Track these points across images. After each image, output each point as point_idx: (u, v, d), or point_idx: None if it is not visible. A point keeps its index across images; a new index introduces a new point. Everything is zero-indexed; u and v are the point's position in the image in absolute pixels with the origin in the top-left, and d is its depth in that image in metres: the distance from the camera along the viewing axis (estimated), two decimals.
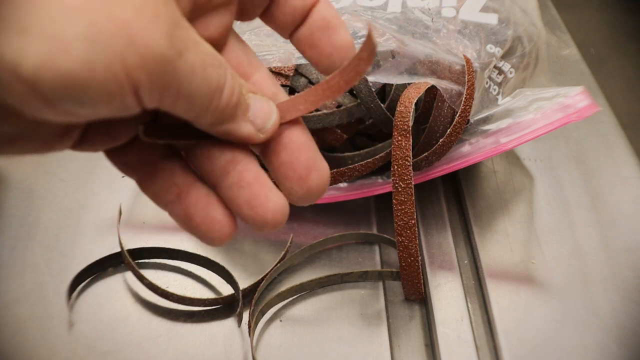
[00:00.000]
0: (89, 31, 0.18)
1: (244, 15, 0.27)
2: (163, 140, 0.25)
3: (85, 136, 0.24)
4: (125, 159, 0.26)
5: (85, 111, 0.20)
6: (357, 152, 0.44)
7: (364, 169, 0.42)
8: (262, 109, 0.25)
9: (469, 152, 0.43)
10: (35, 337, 0.37)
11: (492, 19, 0.44)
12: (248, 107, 0.25)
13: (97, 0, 0.19)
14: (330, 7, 0.27)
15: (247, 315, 0.39)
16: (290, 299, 0.40)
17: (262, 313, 0.39)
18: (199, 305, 0.39)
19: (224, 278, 0.41)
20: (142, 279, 0.39)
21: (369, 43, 0.23)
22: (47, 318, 0.38)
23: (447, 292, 0.40)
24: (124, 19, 0.19)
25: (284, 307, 0.40)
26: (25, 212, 0.46)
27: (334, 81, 0.25)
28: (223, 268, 0.41)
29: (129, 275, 0.41)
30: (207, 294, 0.41)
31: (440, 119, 0.41)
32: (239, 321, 0.39)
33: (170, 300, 0.39)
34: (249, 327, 0.38)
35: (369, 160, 0.41)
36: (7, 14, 0.18)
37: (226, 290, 0.41)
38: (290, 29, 0.27)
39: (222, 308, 0.40)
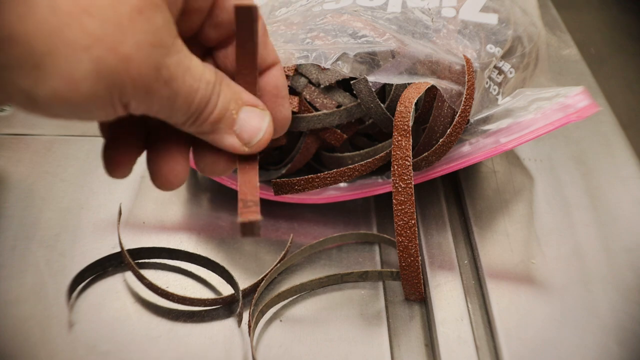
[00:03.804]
0: (95, 68, 0.22)
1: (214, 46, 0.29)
2: None
3: None
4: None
5: (81, 120, 0.24)
6: (357, 152, 0.44)
7: (364, 169, 0.42)
8: (251, 124, 0.28)
9: (469, 152, 0.43)
10: (35, 337, 0.37)
11: (492, 19, 0.44)
12: (234, 122, 0.27)
13: (103, 38, 0.22)
14: (283, 77, 0.30)
15: (247, 315, 0.39)
16: (290, 299, 0.40)
17: (262, 313, 0.39)
18: (199, 305, 0.39)
19: (224, 278, 0.41)
20: (142, 279, 0.39)
21: None
22: (47, 318, 0.38)
23: (447, 292, 0.40)
24: (126, 55, 0.22)
25: (284, 307, 0.40)
26: (25, 212, 0.46)
27: None
28: (223, 268, 0.41)
29: (129, 275, 0.41)
30: (207, 294, 0.41)
31: (440, 119, 0.41)
32: (239, 321, 0.39)
33: (170, 300, 0.39)
34: (249, 327, 0.38)
35: (369, 160, 0.41)
36: (24, 52, 0.21)
37: (226, 290, 0.41)
38: None
39: (222, 308, 0.40)
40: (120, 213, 0.44)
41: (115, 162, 0.28)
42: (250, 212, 0.27)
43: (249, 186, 0.28)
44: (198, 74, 0.25)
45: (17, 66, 0.21)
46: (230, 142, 0.27)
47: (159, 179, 0.28)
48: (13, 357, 0.37)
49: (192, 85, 0.25)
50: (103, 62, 0.22)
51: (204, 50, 0.29)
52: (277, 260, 0.41)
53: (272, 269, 0.41)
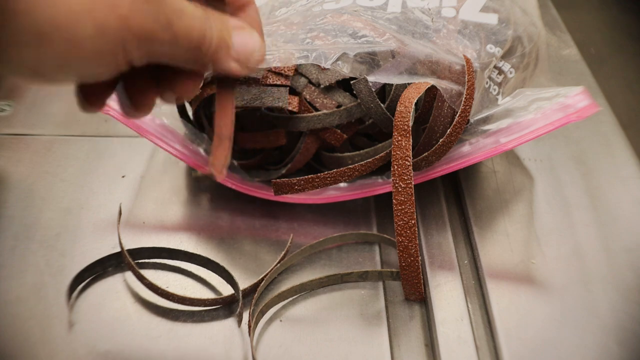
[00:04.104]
0: (97, 30, 0.24)
1: None
2: None
3: None
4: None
5: (84, 79, 0.26)
6: (357, 152, 0.44)
7: (364, 169, 0.42)
8: (245, 44, 0.30)
9: (469, 152, 0.43)
10: (35, 337, 0.37)
11: (492, 19, 0.44)
12: (230, 47, 0.29)
13: (102, 1, 0.23)
14: (258, 15, 0.32)
15: (247, 315, 0.39)
16: (290, 299, 0.40)
17: (262, 313, 0.39)
18: (199, 305, 0.39)
19: (224, 278, 0.41)
20: (142, 279, 0.39)
21: None
22: (47, 318, 0.39)
23: (447, 292, 0.40)
24: (124, 15, 0.24)
25: (284, 307, 0.40)
26: (25, 212, 0.46)
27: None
28: (223, 268, 0.41)
29: (129, 275, 0.41)
30: (207, 294, 0.41)
31: (440, 119, 0.41)
32: (239, 321, 0.39)
33: (170, 300, 0.39)
34: (249, 327, 0.38)
35: (369, 160, 0.41)
36: (27, 23, 0.23)
37: (226, 290, 0.41)
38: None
39: (222, 308, 0.40)
40: (120, 213, 0.44)
41: (89, 99, 0.29)
42: (222, 148, 0.30)
43: (225, 120, 0.31)
44: (191, 13, 0.27)
45: (20, 36, 0.23)
46: (232, 65, 0.29)
47: (128, 108, 0.30)
48: (13, 357, 0.37)
49: (187, 24, 0.26)
50: (105, 22, 0.24)
51: None
52: (277, 260, 0.41)
53: (272, 269, 0.41)
